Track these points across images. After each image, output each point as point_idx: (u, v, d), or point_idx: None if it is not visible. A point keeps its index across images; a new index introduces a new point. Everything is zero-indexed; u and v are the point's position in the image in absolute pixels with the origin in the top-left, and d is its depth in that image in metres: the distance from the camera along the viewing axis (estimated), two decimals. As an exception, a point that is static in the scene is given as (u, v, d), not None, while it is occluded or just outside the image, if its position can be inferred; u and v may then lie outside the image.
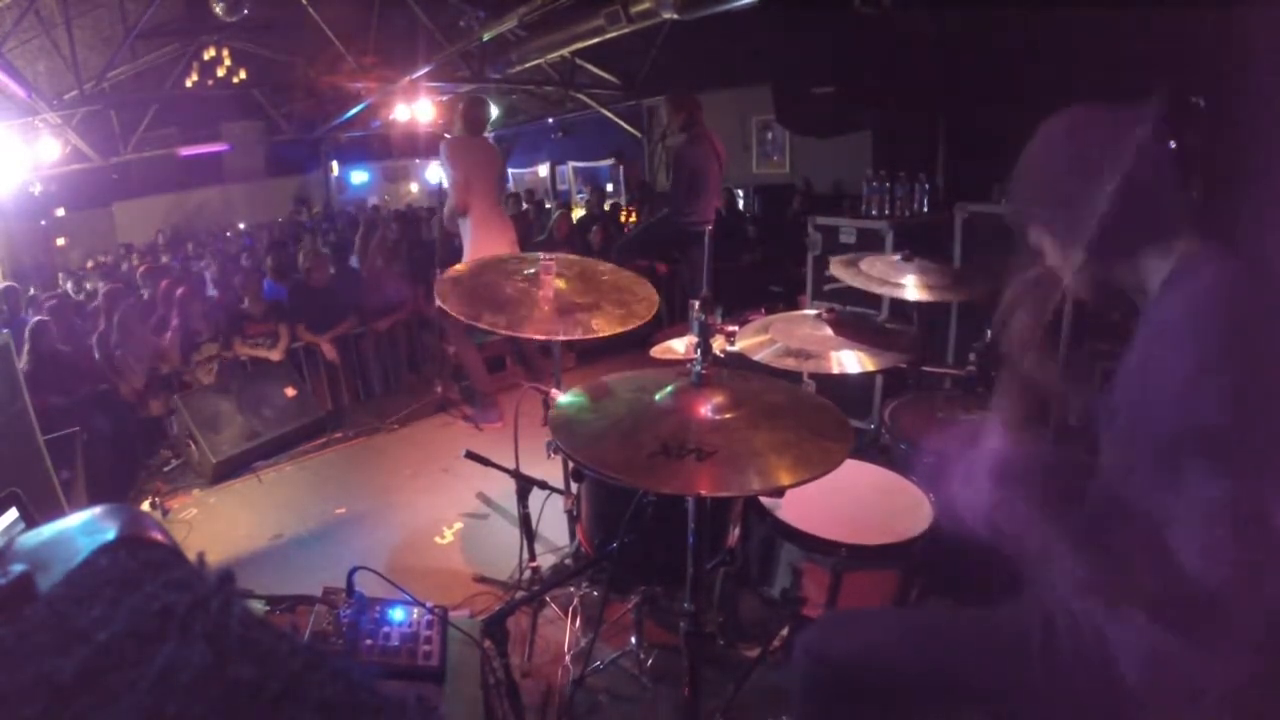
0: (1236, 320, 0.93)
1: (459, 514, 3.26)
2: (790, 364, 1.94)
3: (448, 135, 4.10)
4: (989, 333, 1.78)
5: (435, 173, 4.23)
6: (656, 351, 2.51)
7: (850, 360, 1.95)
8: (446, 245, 4.49)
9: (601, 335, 2.03)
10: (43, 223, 11.47)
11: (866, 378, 3.13)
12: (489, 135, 4.22)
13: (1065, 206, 1.07)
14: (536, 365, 4.41)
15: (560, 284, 2.15)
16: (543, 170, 12.01)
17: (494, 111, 4.21)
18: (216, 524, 3.45)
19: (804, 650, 1.32)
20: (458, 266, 2.42)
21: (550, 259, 2.19)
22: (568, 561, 2.63)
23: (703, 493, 1.19)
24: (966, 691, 1.23)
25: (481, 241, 3.99)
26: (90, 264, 9.57)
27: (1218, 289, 0.97)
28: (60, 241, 11.65)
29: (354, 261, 6.32)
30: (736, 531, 1.83)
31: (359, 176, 14.60)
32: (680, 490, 1.18)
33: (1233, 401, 0.88)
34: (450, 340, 4.36)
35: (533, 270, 2.19)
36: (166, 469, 4.04)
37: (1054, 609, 1.15)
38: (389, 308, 5.16)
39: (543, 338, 2.11)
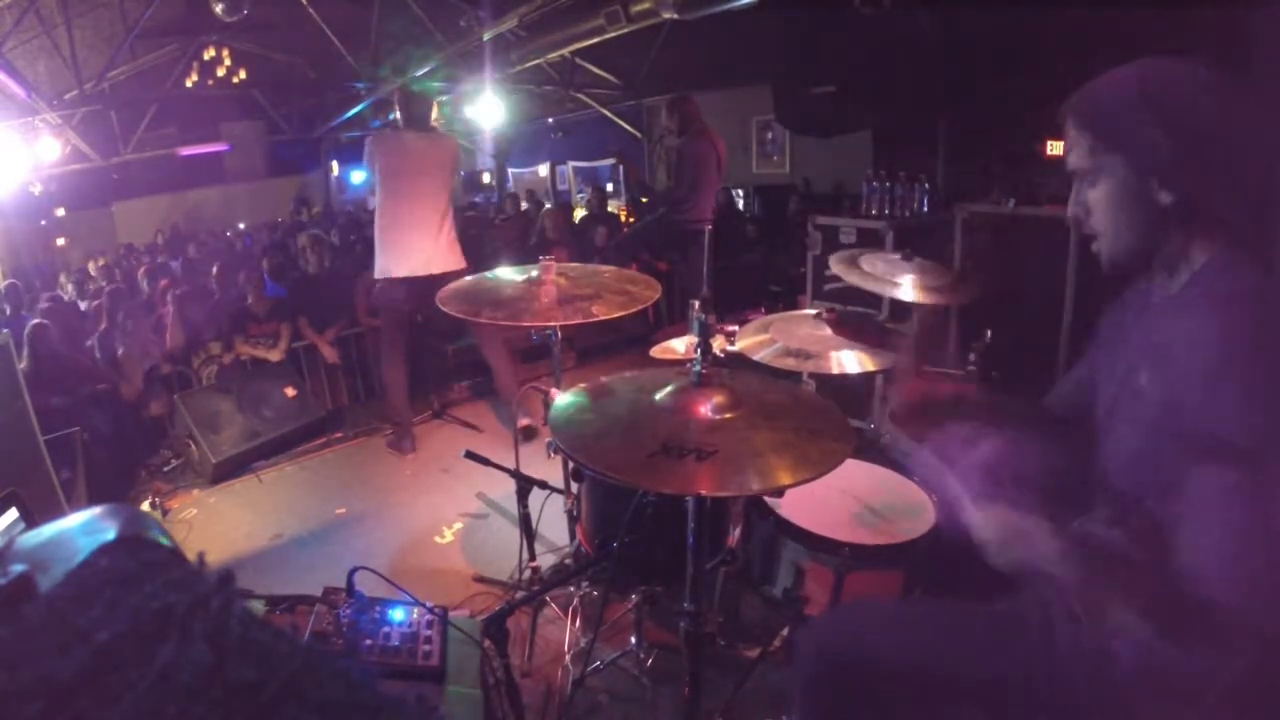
0: (1264, 337, 0.92)
1: (459, 514, 3.26)
2: (790, 364, 1.93)
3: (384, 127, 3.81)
4: (989, 333, 1.78)
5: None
6: (656, 351, 2.51)
7: (850, 360, 1.94)
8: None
9: (602, 319, 2.03)
10: (43, 223, 11.47)
11: (866, 378, 3.13)
12: (440, 128, 3.80)
13: (1172, 152, 0.96)
14: (503, 377, 3.96)
15: (561, 281, 2.17)
16: (543, 170, 12.02)
17: (435, 109, 3.78)
18: (216, 524, 3.45)
19: (806, 645, 1.32)
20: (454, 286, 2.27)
21: (550, 259, 2.20)
22: (568, 561, 2.63)
23: (703, 493, 1.19)
24: (965, 686, 1.23)
25: (391, 253, 3.48)
26: (92, 266, 9.52)
27: (1246, 302, 0.96)
28: (60, 241, 11.65)
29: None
30: (737, 531, 1.83)
31: (359, 176, 14.60)
32: (680, 490, 1.18)
33: (1262, 419, 0.88)
34: (482, 342, 4.00)
35: (535, 273, 2.21)
36: (166, 469, 4.04)
37: (1052, 602, 1.16)
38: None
39: (543, 325, 2.10)
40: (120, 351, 4.37)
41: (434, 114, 3.75)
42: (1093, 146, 1.03)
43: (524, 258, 4.44)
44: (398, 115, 3.67)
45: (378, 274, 3.61)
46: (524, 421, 3.39)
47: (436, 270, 3.49)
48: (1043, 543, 0.97)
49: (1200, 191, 0.97)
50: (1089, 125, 1.03)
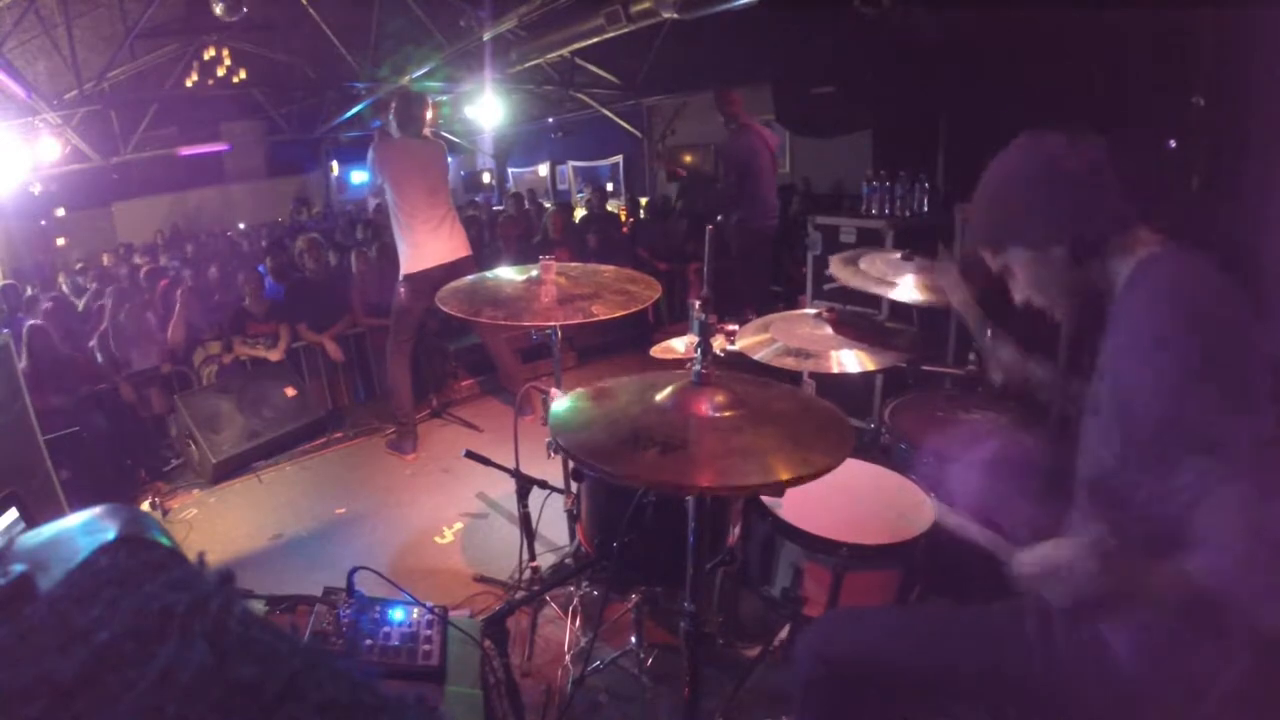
0: (1190, 317, 0.98)
1: (459, 514, 3.26)
2: (790, 363, 1.94)
3: (380, 135, 3.77)
4: (989, 332, 1.78)
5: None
6: (656, 351, 2.51)
7: (850, 360, 1.94)
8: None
9: (602, 319, 2.03)
10: (43, 223, 11.45)
11: (866, 378, 3.13)
12: (430, 133, 3.84)
13: (1041, 217, 1.12)
14: (507, 368, 4.13)
15: (561, 281, 2.17)
16: (543, 170, 12.02)
17: (429, 111, 3.83)
18: (216, 524, 3.45)
19: (805, 648, 1.32)
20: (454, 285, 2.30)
21: (550, 259, 2.20)
22: (568, 561, 2.63)
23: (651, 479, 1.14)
24: (967, 687, 1.23)
25: (416, 252, 3.70)
26: (80, 265, 9.41)
27: (1171, 289, 1.03)
28: (60, 241, 11.63)
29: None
30: (737, 531, 1.83)
31: (359, 176, 14.59)
32: (637, 477, 1.15)
33: (1200, 395, 0.93)
34: (484, 337, 4.12)
35: (535, 273, 2.21)
36: (166, 469, 4.04)
37: (1050, 603, 1.16)
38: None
39: (543, 325, 2.10)
40: (116, 347, 4.36)
41: (430, 116, 3.80)
42: (994, 252, 1.21)
43: (526, 257, 4.44)
44: (391, 120, 3.74)
45: (407, 269, 3.73)
46: (527, 418, 3.44)
47: (454, 257, 3.76)
48: (1079, 572, 0.99)
49: (1082, 226, 1.10)
50: (984, 240, 1.23)
